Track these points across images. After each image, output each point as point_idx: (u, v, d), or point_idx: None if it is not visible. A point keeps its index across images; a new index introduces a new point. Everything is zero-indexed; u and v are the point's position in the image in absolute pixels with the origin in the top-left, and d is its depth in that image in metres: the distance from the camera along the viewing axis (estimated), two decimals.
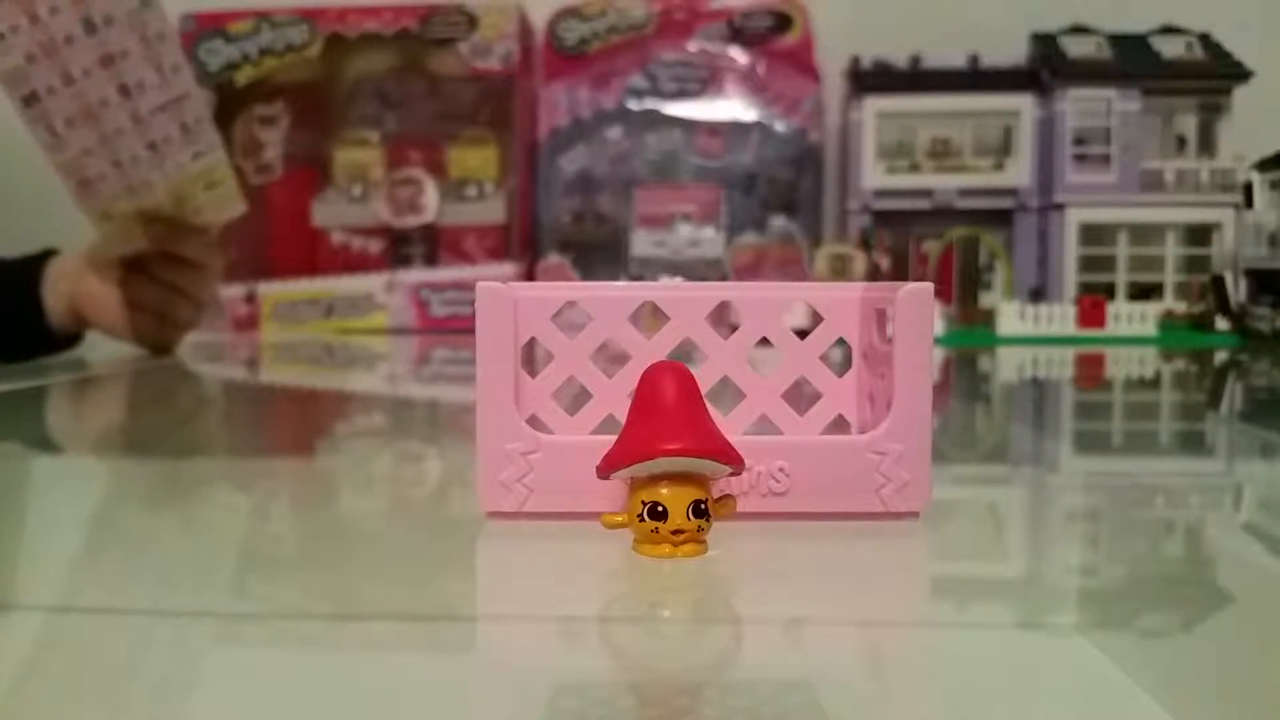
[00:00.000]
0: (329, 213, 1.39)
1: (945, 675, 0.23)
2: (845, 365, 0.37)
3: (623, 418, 0.32)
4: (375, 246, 1.38)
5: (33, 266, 0.91)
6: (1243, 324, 1.18)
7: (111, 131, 0.84)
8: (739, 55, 1.41)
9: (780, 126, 1.40)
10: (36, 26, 0.78)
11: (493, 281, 0.33)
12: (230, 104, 1.39)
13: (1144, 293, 1.29)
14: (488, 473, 0.33)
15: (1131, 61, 1.31)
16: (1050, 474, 0.48)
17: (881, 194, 1.33)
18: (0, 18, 0.77)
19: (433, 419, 0.69)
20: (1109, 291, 1.29)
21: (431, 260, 1.38)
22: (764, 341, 0.36)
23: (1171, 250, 1.30)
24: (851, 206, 1.34)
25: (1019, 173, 1.32)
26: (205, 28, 1.38)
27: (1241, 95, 1.29)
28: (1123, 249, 1.31)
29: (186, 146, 0.87)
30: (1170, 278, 1.30)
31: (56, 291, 0.90)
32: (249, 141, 1.41)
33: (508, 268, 1.35)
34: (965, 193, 1.32)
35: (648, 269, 1.36)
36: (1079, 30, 1.35)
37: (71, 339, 0.94)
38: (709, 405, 0.32)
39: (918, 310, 0.33)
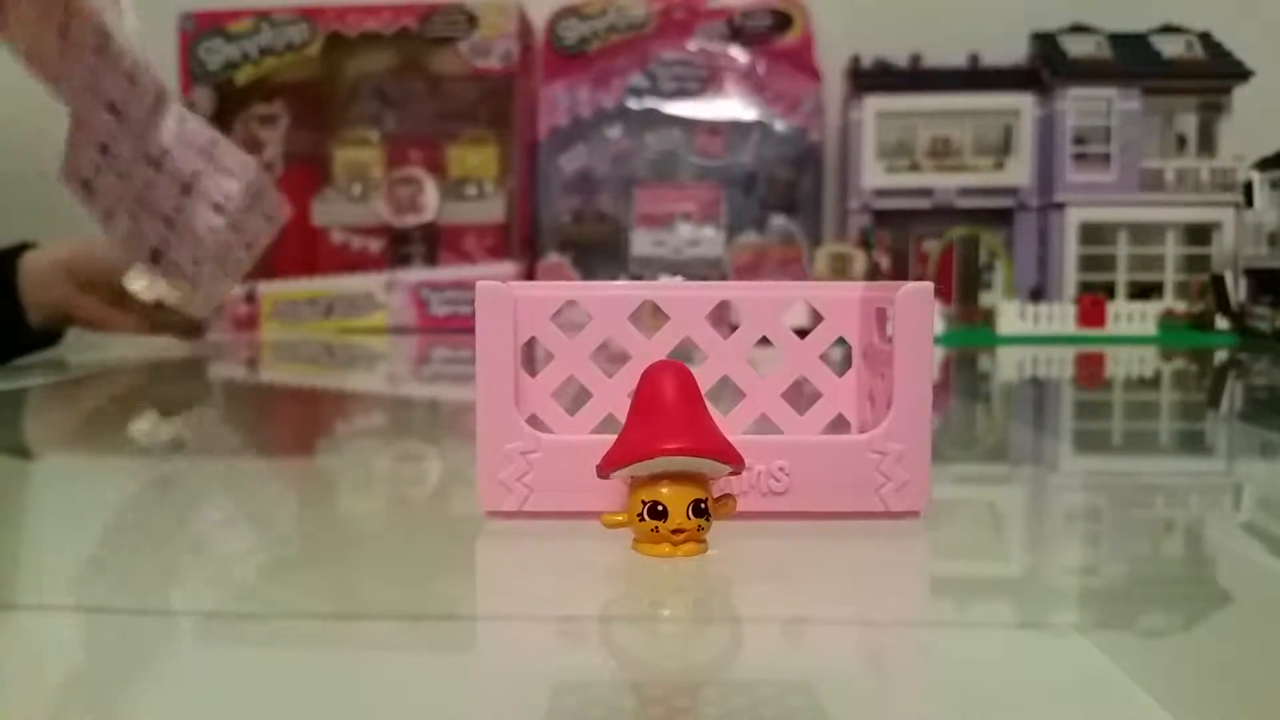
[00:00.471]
0: (329, 212, 1.38)
1: (945, 675, 0.23)
2: (845, 365, 0.37)
3: (622, 417, 0.32)
4: (375, 246, 1.38)
5: (6, 265, 0.89)
6: (1243, 323, 1.18)
7: (227, 255, 0.88)
8: (739, 54, 1.41)
9: (780, 126, 1.40)
10: (125, 183, 0.79)
11: (493, 281, 0.33)
12: (230, 103, 1.39)
13: (1144, 292, 1.29)
14: (487, 472, 0.33)
15: (1131, 61, 1.31)
16: (1050, 473, 0.48)
17: (881, 193, 1.33)
18: (106, 192, 0.78)
19: (433, 418, 0.69)
20: (1109, 291, 1.29)
21: (431, 259, 1.38)
22: (764, 341, 0.36)
23: (1171, 249, 1.30)
24: (851, 206, 1.34)
25: (1019, 172, 1.32)
26: (205, 27, 1.38)
27: (1241, 95, 1.29)
28: (1123, 248, 1.31)
29: (269, 226, 0.92)
30: (1170, 277, 1.30)
31: (37, 295, 0.89)
32: (249, 141, 1.40)
33: (508, 267, 1.34)
34: (965, 192, 1.32)
35: (648, 268, 1.36)
36: (1079, 29, 1.35)
37: (53, 336, 0.94)
38: (709, 405, 0.32)
39: (918, 310, 0.33)
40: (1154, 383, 0.87)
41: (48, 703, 0.21)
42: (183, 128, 0.83)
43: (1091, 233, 1.30)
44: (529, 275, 1.38)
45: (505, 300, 0.33)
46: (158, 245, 0.83)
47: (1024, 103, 1.31)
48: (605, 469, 0.30)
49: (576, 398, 0.36)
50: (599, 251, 1.40)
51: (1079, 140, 1.30)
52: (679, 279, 1.30)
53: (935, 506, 0.34)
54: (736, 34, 1.41)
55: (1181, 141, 1.33)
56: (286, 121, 1.41)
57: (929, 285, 0.33)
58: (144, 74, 0.79)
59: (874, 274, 1.26)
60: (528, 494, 0.33)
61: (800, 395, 0.37)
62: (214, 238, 0.86)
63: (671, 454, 0.29)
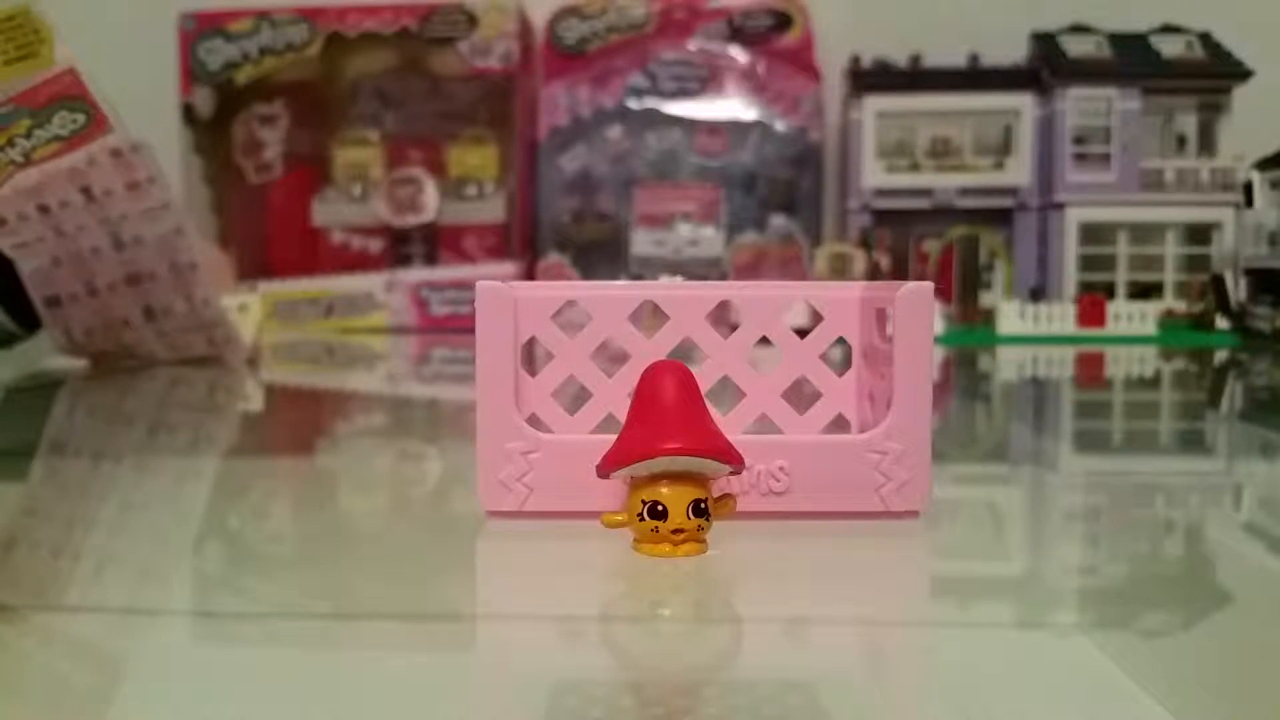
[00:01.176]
0: (329, 212, 1.38)
1: (946, 675, 0.23)
2: (845, 364, 0.37)
3: (622, 417, 0.32)
4: (375, 246, 1.38)
5: None
6: (1242, 323, 1.18)
7: (132, 340, 0.86)
8: (739, 54, 1.41)
9: (780, 126, 1.40)
10: (62, 238, 0.79)
11: (493, 281, 0.33)
12: (230, 103, 1.39)
13: (1144, 292, 1.29)
14: (488, 472, 0.33)
15: (1131, 60, 1.31)
16: (1050, 473, 0.48)
17: (881, 193, 1.33)
18: (26, 232, 0.79)
19: (433, 418, 0.69)
20: (1109, 291, 1.28)
21: (431, 259, 1.38)
22: (764, 341, 0.36)
23: (1171, 249, 1.30)
24: (851, 206, 1.34)
25: (1019, 172, 1.32)
26: (205, 27, 1.38)
27: (1241, 94, 1.29)
28: (1123, 248, 1.30)
29: (210, 350, 0.91)
30: (1170, 277, 1.30)
31: None
32: (249, 141, 1.41)
33: (508, 267, 1.34)
34: (965, 192, 1.32)
35: (647, 268, 1.36)
36: (1079, 29, 1.35)
37: None
38: (709, 404, 0.32)
39: (918, 309, 0.33)
40: (1154, 383, 0.87)
41: (48, 703, 0.21)
42: (175, 238, 0.83)
43: (1091, 232, 1.30)
44: (529, 275, 1.38)
45: (505, 300, 0.33)
46: (60, 295, 0.82)
47: (1024, 103, 1.31)
48: (605, 469, 0.30)
49: (576, 397, 0.36)
50: (599, 251, 1.40)
51: (1079, 140, 1.30)
52: (679, 279, 1.30)
53: (935, 506, 0.34)
54: (736, 34, 1.41)
55: (1181, 141, 1.33)
56: (286, 121, 1.41)
57: (929, 285, 0.33)
58: (155, 183, 0.81)
59: (874, 274, 1.26)
60: (528, 494, 0.33)
61: (800, 395, 0.37)
62: (127, 333, 0.85)
63: (671, 454, 0.29)
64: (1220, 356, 1.05)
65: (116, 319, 0.84)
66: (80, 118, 0.78)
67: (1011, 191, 1.32)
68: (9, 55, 0.77)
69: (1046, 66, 1.31)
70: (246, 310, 1.26)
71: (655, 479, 0.29)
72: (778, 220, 1.39)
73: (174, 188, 0.85)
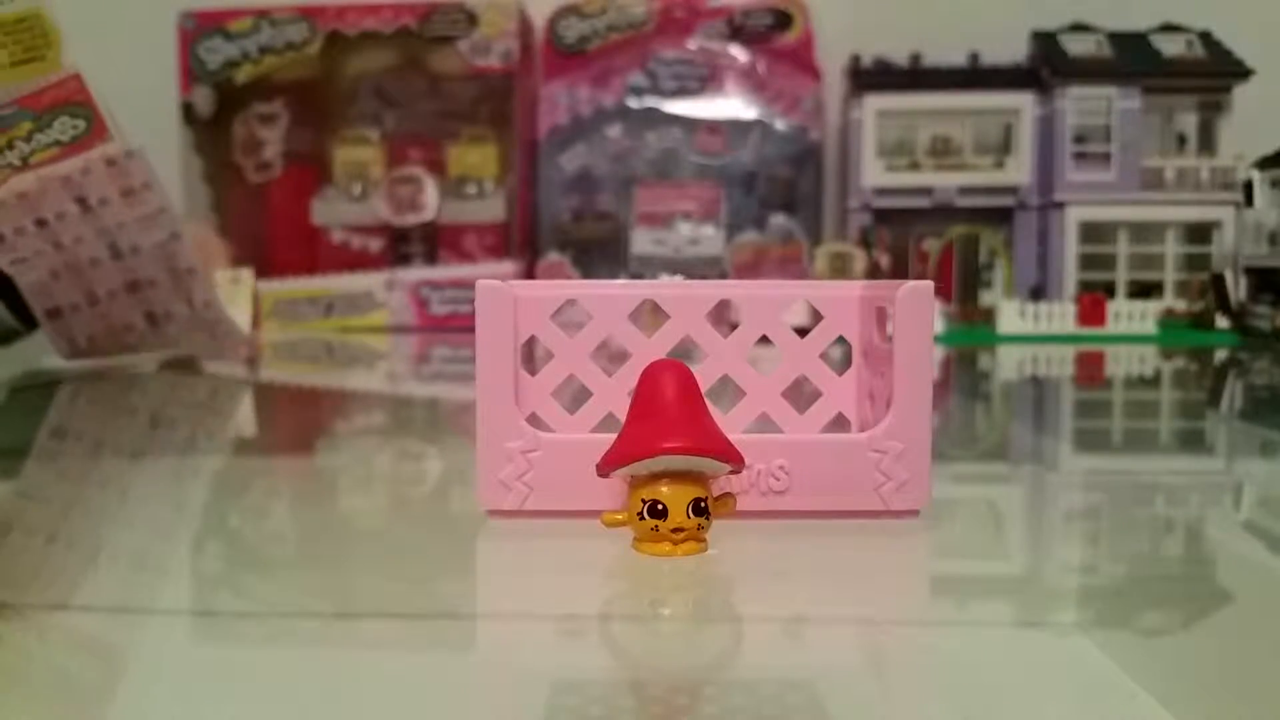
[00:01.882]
0: (329, 211, 1.38)
1: (946, 674, 0.23)
2: (845, 364, 0.37)
3: (623, 416, 0.32)
4: (375, 245, 1.38)
5: None
6: (1243, 322, 1.18)
7: (135, 343, 0.87)
8: (739, 53, 1.41)
9: (780, 124, 1.40)
10: (60, 251, 0.80)
11: (492, 280, 0.33)
12: (230, 102, 1.39)
13: (1144, 291, 1.29)
14: (488, 471, 0.33)
15: (1132, 59, 1.31)
16: (1050, 472, 0.48)
17: (881, 192, 1.33)
18: (24, 247, 0.79)
19: (433, 417, 0.69)
20: (1109, 290, 1.28)
21: (431, 258, 1.38)
22: (764, 340, 0.36)
23: (1171, 248, 1.30)
24: (851, 205, 1.34)
25: (1019, 171, 1.32)
26: (205, 26, 1.38)
27: (1241, 93, 1.29)
28: (1123, 247, 1.30)
29: (214, 349, 0.91)
30: (1170, 276, 1.30)
31: None
32: (248, 139, 1.40)
33: (507, 266, 1.34)
34: (965, 191, 1.32)
35: (648, 267, 1.36)
36: (1079, 28, 1.35)
37: None
38: (709, 403, 0.32)
39: (918, 308, 0.33)
40: (1154, 382, 0.87)
41: (48, 702, 0.21)
42: (171, 243, 0.83)
43: (1091, 231, 1.30)
44: (529, 274, 1.38)
45: (505, 299, 0.33)
46: (62, 306, 0.82)
47: (1024, 102, 1.31)
48: (605, 468, 0.30)
49: (576, 397, 0.36)
50: (599, 250, 1.40)
51: (1079, 139, 1.30)
52: (679, 278, 1.30)
53: (935, 505, 0.34)
54: (737, 33, 1.41)
55: (1181, 140, 1.33)
56: (286, 120, 1.41)
57: (929, 284, 0.33)
58: (150, 190, 0.81)
59: (874, 273, 1.26)
60: (528, 493, 0.33)
61: (800, 394, 0.37)
62: (129, 336, 0.86)
63: (672, 453, 0.29)
64: (1220, 356, 1.05)
65: (119, 325, 0.84)
66: (81, 124, 0.78)
67: (1011, 190, 1.32)
68: (16, 57, 0.77)
69: (1046, 65, 1.31)
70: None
71: (655, 478, 0.29)
72: (778, 219, 1.39)
73: (173, 187, 0.85)
